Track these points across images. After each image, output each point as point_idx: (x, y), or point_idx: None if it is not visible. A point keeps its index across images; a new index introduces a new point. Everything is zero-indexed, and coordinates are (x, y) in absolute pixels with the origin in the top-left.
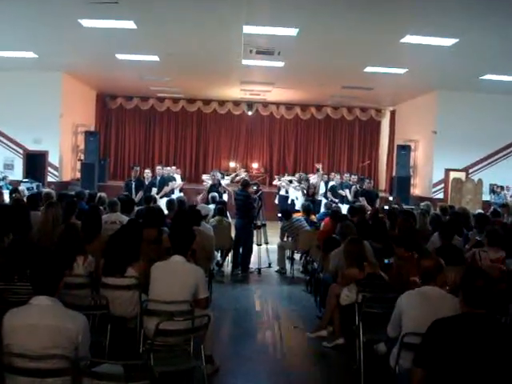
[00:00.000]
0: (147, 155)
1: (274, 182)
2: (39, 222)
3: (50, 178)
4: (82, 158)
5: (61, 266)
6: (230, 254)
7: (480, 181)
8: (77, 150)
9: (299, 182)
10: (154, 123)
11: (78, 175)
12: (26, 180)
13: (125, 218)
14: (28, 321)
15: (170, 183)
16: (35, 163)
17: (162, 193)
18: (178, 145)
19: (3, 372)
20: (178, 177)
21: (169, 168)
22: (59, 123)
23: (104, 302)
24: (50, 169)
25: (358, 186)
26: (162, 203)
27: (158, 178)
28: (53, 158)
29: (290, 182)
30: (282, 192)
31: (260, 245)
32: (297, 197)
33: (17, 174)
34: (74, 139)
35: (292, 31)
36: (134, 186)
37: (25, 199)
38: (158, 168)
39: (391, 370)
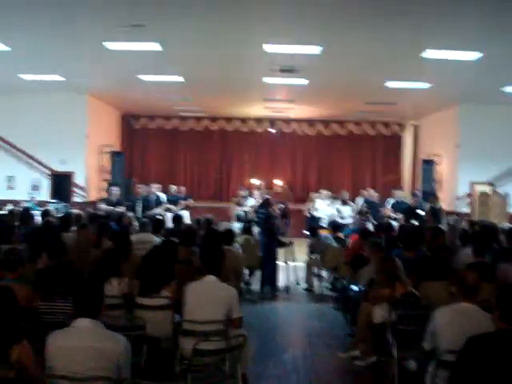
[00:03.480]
0: (171, 174)
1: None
2: (73, 243)
3: (76, 199)
4: (109, 177)
5: (102, 289)
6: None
7: (507, 194)
8: (102, 170)
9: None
10: (177, 142)
11: (104, 195)
12: (54, 201)
13: (155, 238)
14: (71, 343)
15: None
16: (61, 184)
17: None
18: (201, 163)
19: None
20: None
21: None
22: (85, 144)
23: (140, 322)
24: (76, 189)
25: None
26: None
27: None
28: (79, 179)
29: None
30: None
31: (287, 262)
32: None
33: (43, 194)
34: (99, 159)
35: (315, 49)
36: (140, 203)
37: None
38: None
39: None
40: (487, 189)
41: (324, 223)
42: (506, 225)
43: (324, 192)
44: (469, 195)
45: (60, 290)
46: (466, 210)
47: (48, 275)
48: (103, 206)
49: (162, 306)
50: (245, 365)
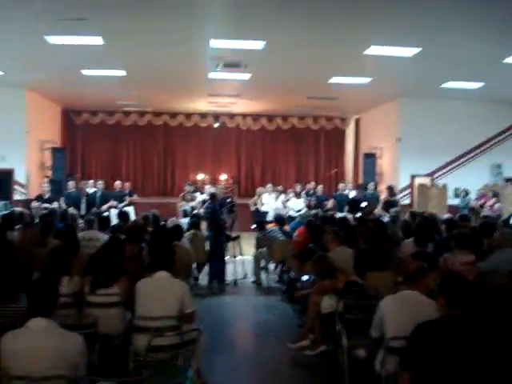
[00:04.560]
0: (114, 170)
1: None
2: (17, 243)
3: (16, 196)
4: (49, 174)
5: (56, 288)
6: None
7: (445, 186)
8: (43, 166)
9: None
10: (120, 137)
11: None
12: None
13: (101, 235)
14: (26, 343)
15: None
16: (1, 181)
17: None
18: (145, 158)
19: None
20: None
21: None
22: (25, 140)
23: (91, 320)
24: (16, 186)
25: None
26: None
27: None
28: (19, 176)
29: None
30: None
31: (235, 256)
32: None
33: None
34: (40, 156)
35: (259, 44)
36: (85, 200)
37: None
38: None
39: (376, 374)
40: (426, 181)
41: (270, 217)
42: (446, 215)
43: (269, 186)
44: (409, 187)
45: (6, 291)
46: (407, 201)
47: None
48: (35, 204)
49: (112, 304)
50: (198, 359)
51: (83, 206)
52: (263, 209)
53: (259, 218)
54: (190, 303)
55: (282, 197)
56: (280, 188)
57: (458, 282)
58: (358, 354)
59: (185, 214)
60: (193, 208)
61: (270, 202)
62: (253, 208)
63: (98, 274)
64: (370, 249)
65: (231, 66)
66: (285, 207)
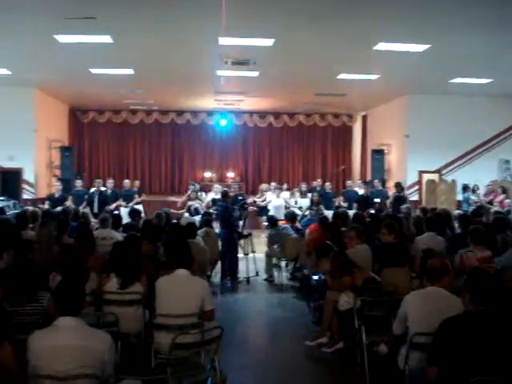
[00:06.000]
0: (122, 168)
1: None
2: (34, 241)
3: (25, 195)
4: (58, 173)
5: (84, 287)
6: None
7: (454, 181)
8: (51, 165)
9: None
10: (127, 136)
11: (53, 191)
12: (2, 198)
13: (116, 234)
14: (55, 342)
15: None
16: (10, 180)
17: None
18: (152, 156)
19: None
20: None
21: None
22: (33, 139)
23: (112, 318)
24: (25, 186)
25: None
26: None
27: (109, 191)
28: (28, 175)
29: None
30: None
31: (247, 254)
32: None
33: None
34: (48, 155)
35: (268, 41)
36: (96, 198)
37: None
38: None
39: (398, 370)
40: (435, 177)
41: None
42: (457, 211)
43: (273, 184)
44: (417, 184)
45: (27, 290)
46: (415, 198)
47: (14, 275)
48: (43, 206)
49: (131, 301)
50: (218, 357)
51: (95, 205)
52: (264, 205)
53: (262, 215)
54: (211, 301)
55: (284, 194)
56: (285, 186)
57: (483, 278)
58: (379, 350)
59: (196, 212)
60: (196, 208)
61: (271, 200)
62: (258, 204)
63: (124, 272)
64: (392, 244)
65: (240, 63)
66: (287, 205)
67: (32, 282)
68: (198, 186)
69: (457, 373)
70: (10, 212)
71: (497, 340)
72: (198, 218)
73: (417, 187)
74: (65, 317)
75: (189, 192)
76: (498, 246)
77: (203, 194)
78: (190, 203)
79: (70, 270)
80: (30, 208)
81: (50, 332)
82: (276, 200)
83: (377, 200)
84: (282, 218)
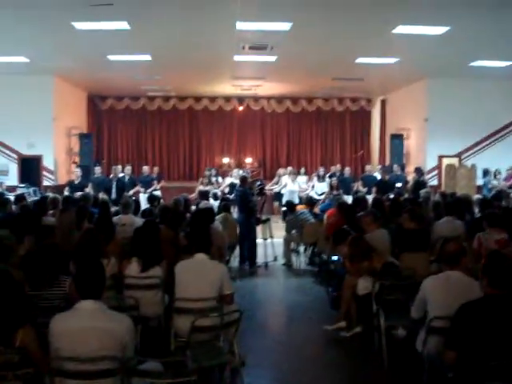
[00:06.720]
0: (140, 154)
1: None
2: (55, 227)
3: (45, 182)
4: (77, 160)
5: (104, 271)
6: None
7: (473, 166)
8: (71, 152)
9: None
10: (145, 122)
11: (73, 178)
12: (23, 185)
13: (137, 220)
14: (76, 324)
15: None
16: (30, 168)
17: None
18: (170, 143)
19: (54, 376)
20: None
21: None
22: (52, 126)
23: (132, 302)
24: (45, 173)
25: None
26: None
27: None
28: (47, 162)
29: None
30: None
31: (266, 239)
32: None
33: (12, 179)
34: (67, 142)
35: (285, 25)
36: (115, 185)
37: None
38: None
39: (417, 354)
40: (454, 161)
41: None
42: (476, 196)
43: (290, 168)
44: (436, 168)
45: (48, 274)
46: (434, 182)
47: (35, 259)
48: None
49: (152, 285)
50: (236, 340)
51: (113, 191)
52: (280, 190)
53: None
54: (229, 285)
55: (300, 179)
56: (302, 170)
57: (501, 261)
58: (397, 334)
59: (215, 198)
60: (215, 194)
61: (287, 184)
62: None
63: (145, 255)
64: (413, 230)
65: (257, 48)
66: (301, 190)
67: (53, 267)
68: (213, 172)
69: (475, 357)
70: (31, 199)
71: None
72: (216, 204)
73: (436, 172)
74: (86, 300)
75: (201, 179)
76: None
77: (219, 178)
78: (202, 188)
79: (88, 254)
80: (51, 194)
81: (72, 315)
82: (291, 185)
83: (398, 185)
84: (297, 202)
